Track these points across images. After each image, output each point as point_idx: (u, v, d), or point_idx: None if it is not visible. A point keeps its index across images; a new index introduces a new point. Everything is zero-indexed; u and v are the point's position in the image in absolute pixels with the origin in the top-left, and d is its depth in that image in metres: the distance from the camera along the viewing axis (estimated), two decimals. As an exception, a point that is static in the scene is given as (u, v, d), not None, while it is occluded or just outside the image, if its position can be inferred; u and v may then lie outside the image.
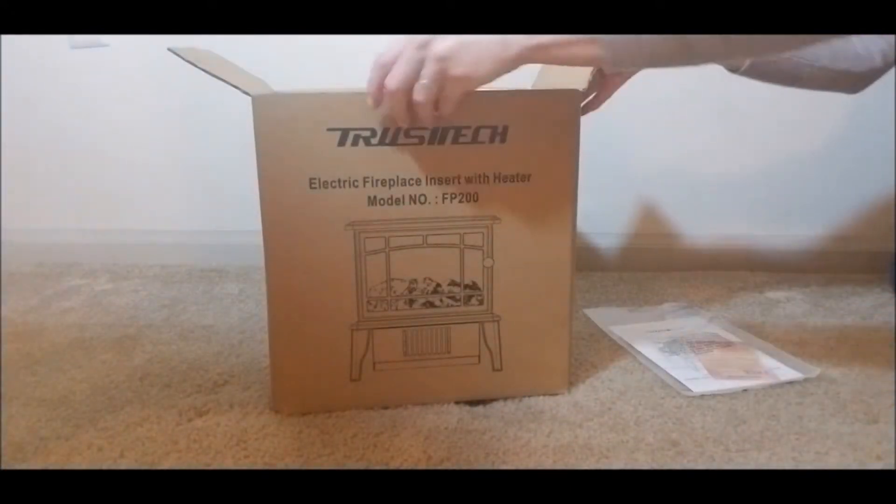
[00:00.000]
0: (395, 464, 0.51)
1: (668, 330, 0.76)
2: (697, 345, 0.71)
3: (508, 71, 0.50)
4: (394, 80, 0.50)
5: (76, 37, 1.04)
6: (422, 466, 0.51)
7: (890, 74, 0.91)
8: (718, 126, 0.97)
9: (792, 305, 0.84)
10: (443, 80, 0.49)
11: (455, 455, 0.52)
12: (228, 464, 0.52)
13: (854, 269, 0.96)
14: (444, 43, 0.49)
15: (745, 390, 0.61)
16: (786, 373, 0.64)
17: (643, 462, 0.51)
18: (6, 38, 1.07)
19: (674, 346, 0.71)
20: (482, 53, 0.49)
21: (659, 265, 1.01)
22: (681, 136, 0.98)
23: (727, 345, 0.71)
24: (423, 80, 0.49)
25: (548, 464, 0.51)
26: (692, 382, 0.62)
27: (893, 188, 0.96)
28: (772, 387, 0.62)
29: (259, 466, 0.51)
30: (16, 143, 1.12)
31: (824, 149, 0.96)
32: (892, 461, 0.51)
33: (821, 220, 0.99)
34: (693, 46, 0.49)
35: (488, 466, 0.51)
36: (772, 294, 0.89)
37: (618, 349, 0.71)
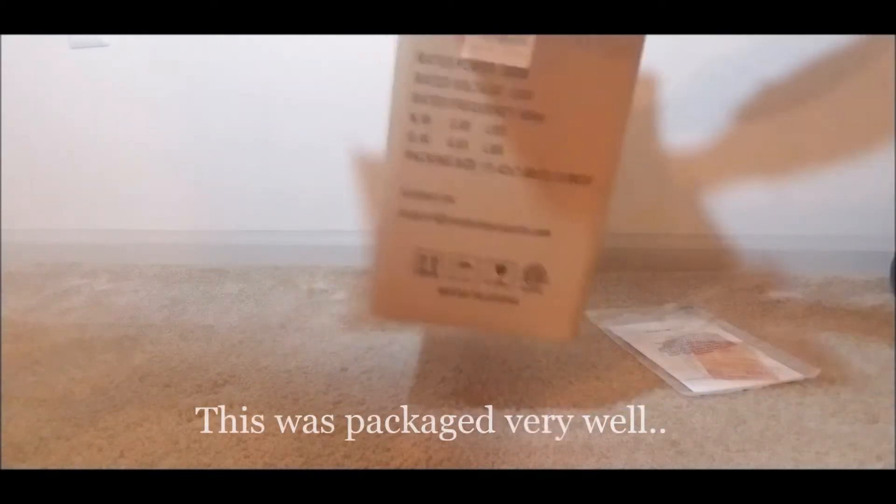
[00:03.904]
0: (396, 464, 0.51)
1: (668, 330, 0.76)
2: (697, 345, 0.71)
3: None
4: None
5: (76, 37, 1.04)
6: (422, 467, 0.51)
7: (890, 75, 0.92)
8: (719, 124, 0.97)
9: (792, 305, 0.84)
10: None
11: (456, 456, 0.52)
12: (228, 464, 0.52)
13: (854, 269, 0.96)
14: None
15: (745, 390, 0.61)
16: (786, 373, 0.64)
17: (643, 462, 0.51)
18: (6, 38, 1.07)
19: (674, 346, 0.71)
20: None
21: (659, 265, 1.01)
22: (680, 135, 0.98)
23: (727, 345, 0.71)
24: None
25: (548, 464, 0.51)
26: (692, 383, 0.62)
27: (893, 188, 0.96)
28: (772, 387, 0.62)
29: (259, 467, 0.51)
30: (16, 143, 1.12)
31: (824, 148, 0.96)
32: (893, 461, 0.51)
33: (821, 220, 0.99)
34: None
35: (488, 467, 0.51)
36: (772, 294, 0.89)
37: (618, 349, 0.71)
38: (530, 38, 0.46)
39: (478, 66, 0.47)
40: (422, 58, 0.47)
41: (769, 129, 0.96)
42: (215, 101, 1.02)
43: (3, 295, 0.97)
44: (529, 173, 0.49)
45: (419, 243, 0.51)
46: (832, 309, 0.82)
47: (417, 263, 0.51)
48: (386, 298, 0.53)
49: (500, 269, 0.51)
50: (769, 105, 0.95)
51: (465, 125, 0.48)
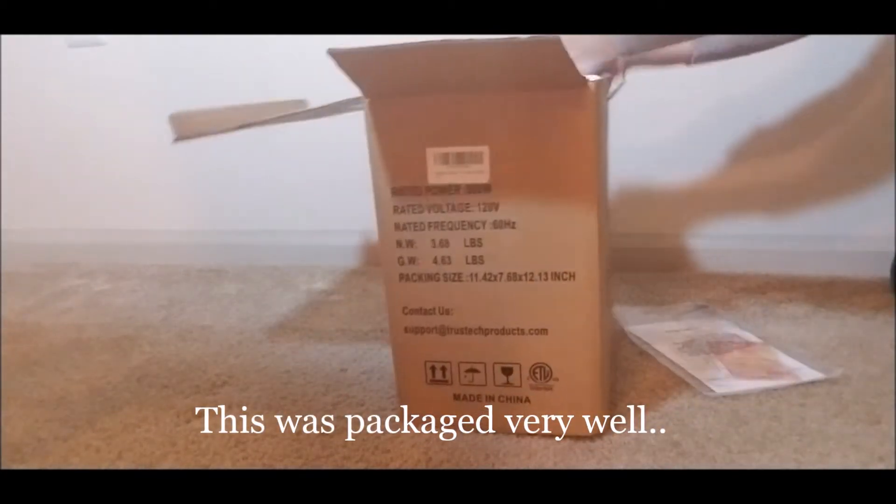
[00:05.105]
0: (395, 465, 0.51)
1: (688, 330, 0.75)
2: (717, 345, 0.70)
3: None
4: None
5: (74, 36, 1.04)
6: (422, 467, 0.51)
7: (890, 74, 0.91)
8: (719, 126, 0.97)
9: (793, 306, 0.84)
10: None
11: (456, 456, 0.52)
12: (227, 465, 0.52)
13: (854, 270, 0.96)
14: None
15: (764, 391, 0.60)
16: (807, 373, 0.63)
17: (644, 463, 0.51)
18: (6, 38, 1.06)
19: (693, 346, 0.70)
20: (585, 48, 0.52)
21: (659, 265, 1.01)
22: (681, 135, 0.98)
23: (747, 345, 0.70)
24: None
25: (548, 464, 0.51)
26: (714, 383, 0.61)
27: (893, 188, 0.95)
28: (794, 387, 0.61)
29: (258, 467, 0.51)
30: (16, 143, 1.12)
31: (824, 148, 0.96)
32: (895, 462, 0.50)
33: (821, 220, 0.99)
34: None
35: (488, 467, 0.50)
36: (773, 294, 0.88)
37: (634, 348, 0.71)
38: (486, 156, 0.48)
39: (444, 189, 0.50)
40: (394, 191, 0.51)
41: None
42: (214, 101, 1.02)
43: (1, 295, 0.96)
44: (513, 277, 0.51)
45: (427, 356, 0.54)
46: (833, 309, 0.82)
47: (429, 374, 0.55)
48: (409, 405, 0.56)
49: (507, 371, 0.53)
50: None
51: (444, 243, 0.51)
